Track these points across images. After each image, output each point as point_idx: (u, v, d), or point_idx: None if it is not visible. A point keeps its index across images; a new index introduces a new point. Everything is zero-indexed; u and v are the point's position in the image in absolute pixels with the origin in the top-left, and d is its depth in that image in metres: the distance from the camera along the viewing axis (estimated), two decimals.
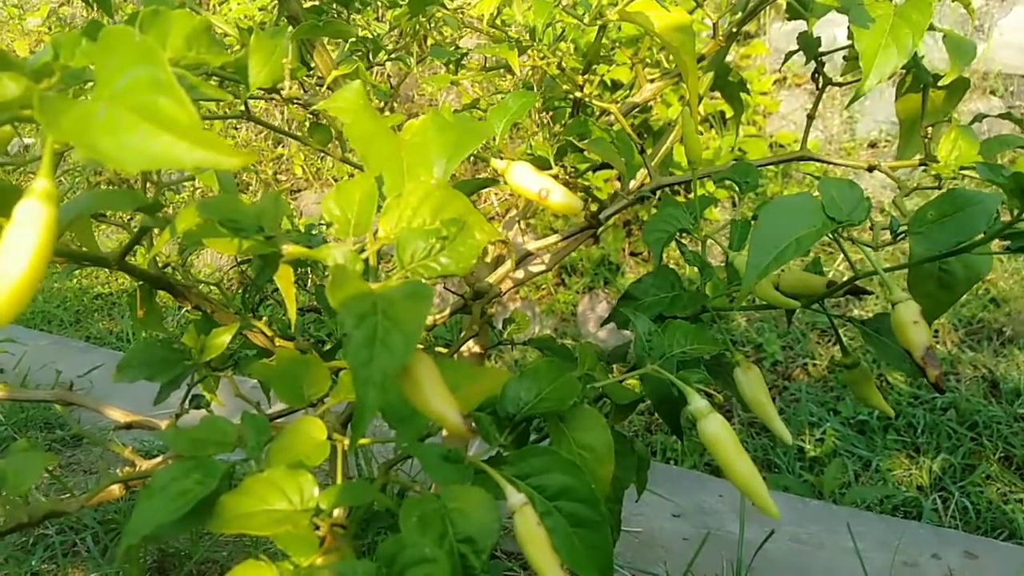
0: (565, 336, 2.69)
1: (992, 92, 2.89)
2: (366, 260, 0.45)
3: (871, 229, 0.64)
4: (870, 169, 0.78)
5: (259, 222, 0.47)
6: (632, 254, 2.79)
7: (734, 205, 2.87)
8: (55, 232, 0.32)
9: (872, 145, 2.91)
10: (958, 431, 1.91)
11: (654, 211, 2.66)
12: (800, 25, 0.80)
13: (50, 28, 4.39)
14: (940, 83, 0.74)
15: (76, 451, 1.72)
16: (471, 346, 1.05)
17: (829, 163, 0.84)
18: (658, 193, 0.88)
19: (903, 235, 0.58)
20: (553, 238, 0.85)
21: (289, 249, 0.46)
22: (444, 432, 0.50)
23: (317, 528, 0.46)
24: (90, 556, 1.35)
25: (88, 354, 2.42)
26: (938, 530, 1.54)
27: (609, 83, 2.62)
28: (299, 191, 3.53)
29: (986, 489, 1.75)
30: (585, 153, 0.84)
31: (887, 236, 0.62)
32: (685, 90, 0.68)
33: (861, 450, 1.90)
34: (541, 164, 0.67)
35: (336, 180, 3.43)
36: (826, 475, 1.81)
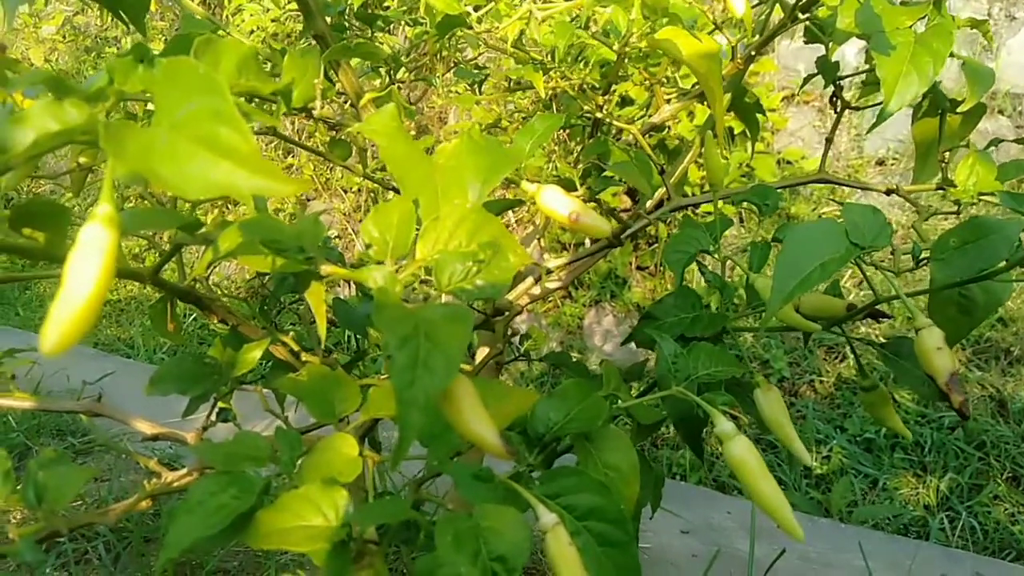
0: (571, 349, 2.70)
1: (1000, 111, 2.90)
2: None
3: (892, 253, 0.65)
4: (888, 193, 0.79)
5: (299, 242, 0.48)
6: (639, 268, 2.80)
7: (741, 221, 2.88)
8: (116, 255, 0.33)
9: (880, 163, 2.92)
10: (965, 450, 1.91)
11: (663, 226, 2.67)
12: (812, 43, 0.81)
13: (64, 36, 4.42)
14: (958, 110, 0.75)
15: (88, 458, 1.73)
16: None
17: (848, 185, 0.85)
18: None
19: (925, 261, 0.59)
20: (570, 256, 0.86)
21: (328, 269, 0.47)
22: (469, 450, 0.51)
23: (350, 543, 0.47)
24: (102, 564, 1.36)
25: (98, 361, 2.44)
26: (947, 550, 1.54)
27: (622, 96, 2.63)
28: (308, 200, 3.55)
29: (993, 509, 1.75)
30: (606, 174, 0.86)
31: (901, 256, 0.63)
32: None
33: (868, 468, 1.90)
34: (566, 185, 0.68)
35: (345, 191, 3.45)
36: (833, 493, 1.82)
